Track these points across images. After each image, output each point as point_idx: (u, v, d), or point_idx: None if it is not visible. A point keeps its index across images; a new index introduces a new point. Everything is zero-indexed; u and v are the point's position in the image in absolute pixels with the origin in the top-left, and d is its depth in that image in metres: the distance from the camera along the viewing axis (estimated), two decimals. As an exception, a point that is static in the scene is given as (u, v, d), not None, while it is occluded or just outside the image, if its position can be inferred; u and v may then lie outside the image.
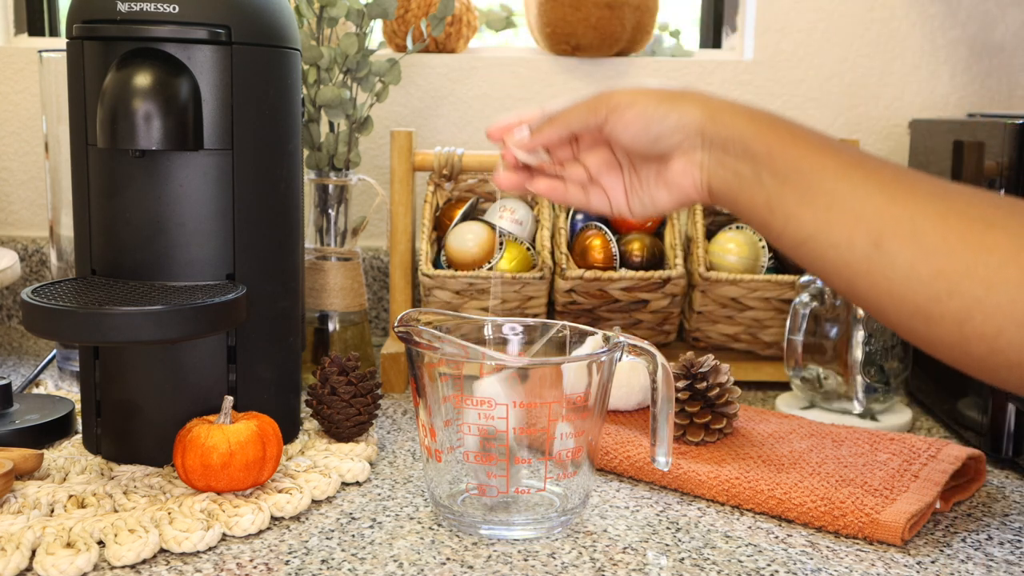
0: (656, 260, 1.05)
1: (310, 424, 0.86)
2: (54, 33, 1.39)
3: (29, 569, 0.61)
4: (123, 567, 0.62)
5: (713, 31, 1.37)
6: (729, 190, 0.62)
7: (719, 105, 0.62)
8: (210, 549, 0.64)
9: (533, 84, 1.27)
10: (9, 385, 0.84)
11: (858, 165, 0.58)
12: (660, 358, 0.68)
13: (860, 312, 0.90)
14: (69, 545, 0.62)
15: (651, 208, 0.67)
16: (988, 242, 0.53)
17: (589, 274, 1.01)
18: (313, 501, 0.72)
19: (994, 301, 0.53)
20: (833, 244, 0.57)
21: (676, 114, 0.62)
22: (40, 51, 0.96)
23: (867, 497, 0.69)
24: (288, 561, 0.63)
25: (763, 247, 1.05)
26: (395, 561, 0.63)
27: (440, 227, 1.09)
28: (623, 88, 0.65)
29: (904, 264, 0.55)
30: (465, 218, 1.07)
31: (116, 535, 0.63)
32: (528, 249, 1.05)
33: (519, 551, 0.65)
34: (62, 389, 0.98)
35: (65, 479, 0.74)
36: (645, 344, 0.68)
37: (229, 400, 0.71)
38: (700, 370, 0.83)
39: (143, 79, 0.70)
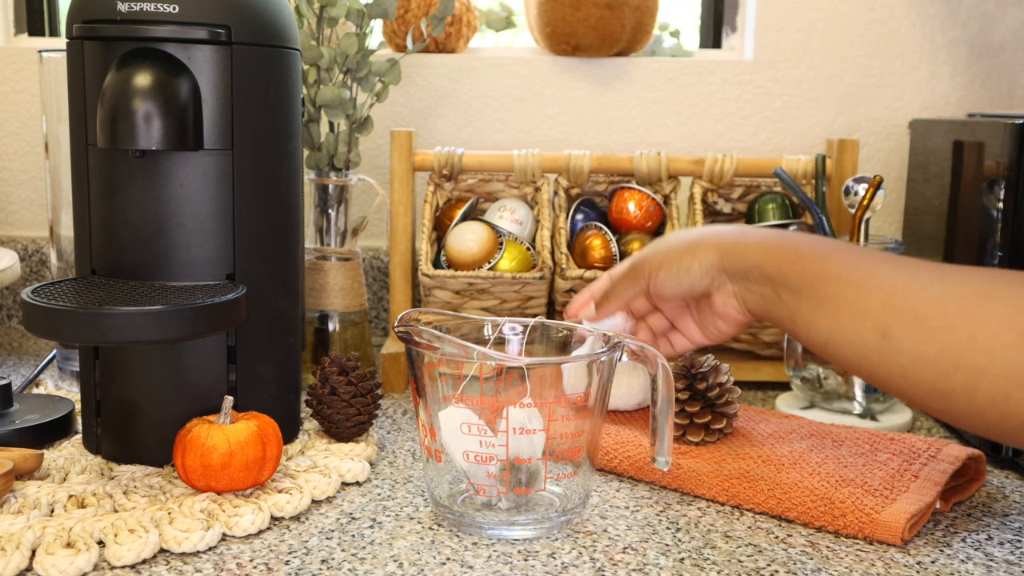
0: (656, 260, 1.05)
1: (310, 424, 0.86)
2: (54, 33, 1.39)
3: (29, 569, 0.61)
4: (123, 567, 0.62)
5: (713, 31, 1.37)
6: (762, 309, 0.70)
7: (732, 241, 0.71)
8: (210, 549, 0.64)
9: (533, 84, 1.27)
10: (9, 385, 0.84)
11: (856, 267, 0.65)
12: (660, 358, 0.68)
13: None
14: (69, 545, 0.62)
15: (719, 336, 0.77)
16: (984, 314, 0.58)
17: (589, 274, 1.01)
18: (313, 501, 0.72)
19: (997, 368, 0.57)
20: (848, 342, 0.64)
21: (696, 263, 0.72)
22: (40, 51, 0.96)
23: (867, 497, 0.69)
24: (288, 561, 0.63)
25: (763, 247, 1.05)
26: (395, 561, 0.63)
27: (440, 227, 1.09)
28: (651, 251, 0.75)
29: (911, 348, 0.60)
30: (465, 218, 1.07)
31: (116, 535, 0.63)
32: (528, 249, 1.05)
33: (519, 551, 0.65)
34: (62, 389, 0.98)
35: (65, 479, 0.74)
36: (645, 344, 0.68)
37: (229, 400, 0.71)
38: (700, 370, 0.83)
39: (143, 79, 0.70)
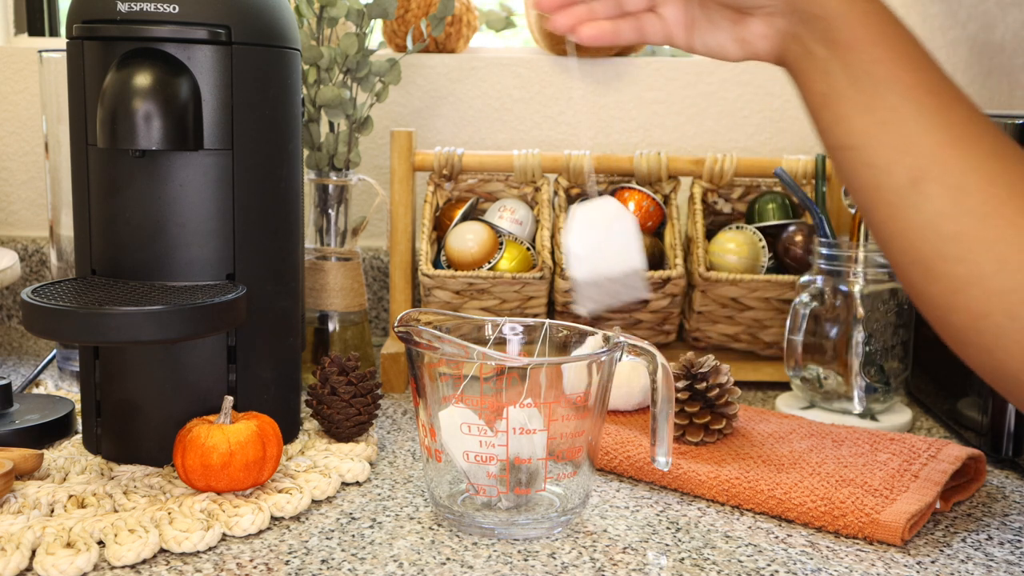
0: (656, 260, 1.05)
1: (310, 424, 0.86)
2: (54, 33, 1.39)
3: (29, 569, 0.61)
4: (123, 567, 0.62)
5: (713, 31, 1.37)
6: (797, 65, 0.58)
7: None
8: (210, 549, 0.64)
9: (533, 84, 1.27)
10: (9, 385, 0.84)
11: (932, 91, 0.54)
12: (660, 358, 0.68)
13: (860, 312, 0.90)
14: (69, 545, 0.62)
15: (715, 51, 0.63)
16: (1021, 222, 0.51)
17: (589, 274, 1.01)
18: (313, 501, 0.72)
19: (998, 283, 0.51)
20: (871, 164, 0.54)
21: None
22: (40, 51, 0.96)
23: (867, 497, 0.69)
24: (288, 561, 0.63)
25: (763, 247, 1.05)
26: (395, 561, 0.63)
27: (440, 227, 1.09)
28: None
29: (932, 212, 0.52)
30: (465, 218, 1.07)
31: (116, 535, 0.63)
32: (528, 249, 1.05)
33: (519, 551, 0.65)
34: (62, 389, 0.98)
35: (65, 479, 0.74)
36: (645, 344, 0.68)
37: (229, 400, 0.71)
38: (700, 370, 0.83)
39: (143, 79, 0.70)
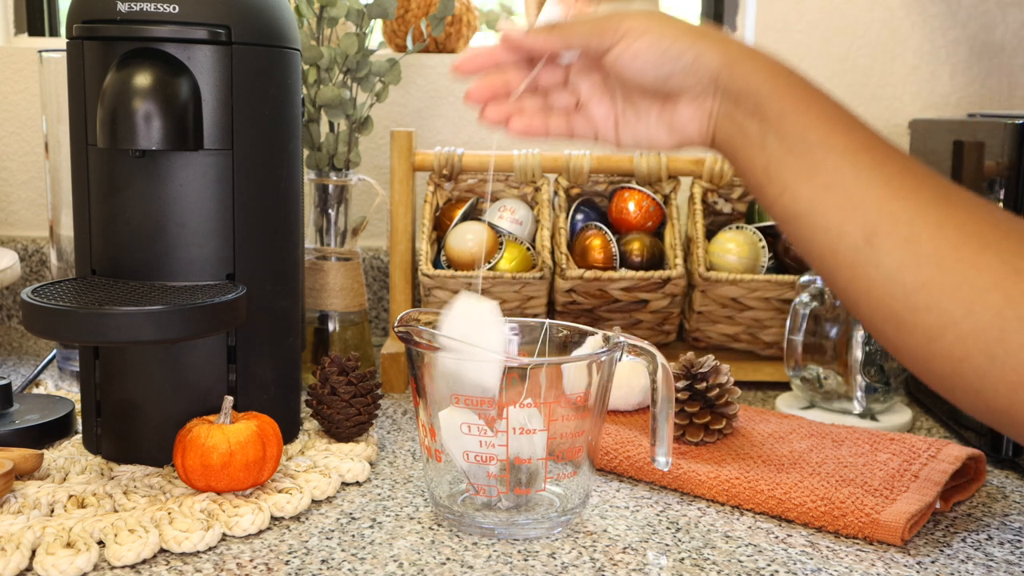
0: (656, 260, 1.05)
1: (310, 424, 0.86)
2: (54, 33, 1.39)
3: (29, 569, 0.61)
4: (123, 567, 0.62)
5: (713, 31, 1.37)
6: (731, 145, 0.59)
7: (740, 52, 0.58)
8: (210, 549, 0.64)
9: (533, 84, 1.27)
10: (9, 385, 0.84)
11: (867, 149, 0.55)
12: (660, 358, 0.68)
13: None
14: (69, 545, 0.62)
15: (644, 144, 0.63)
16: (979, 263, 0.51)
17: (589, 274, 1.01)
18: (313, 501, 0.72)
19: (969, 325, 0.51)
20: (824, 228, 0.55)
21: (693, 54, 0.58)
22: (40, 51, 0.96)
23: (867, 497, 0.69)
24: (288, 561, 0.63)
25: (763, 247, 1.05)
26: (395, 561, 0.63)
27: (440, 227, 1.09)
28: (637, 11, 0.59)
29: (891, 266, 0.53)
30: (465, 218, 1.07)
31: (116, 535, 0.63)
32: (528, 249, 1.05)
33: (519, 551, 0.65)
34: (62, 389, 0.98)
35: (65, 479, 0.74)
36: (645, 344, 0.68)
37: (229, 400, 0.71)
38: (700, 370, 0.83)
39: (143, 79, 0.70)
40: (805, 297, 0.92)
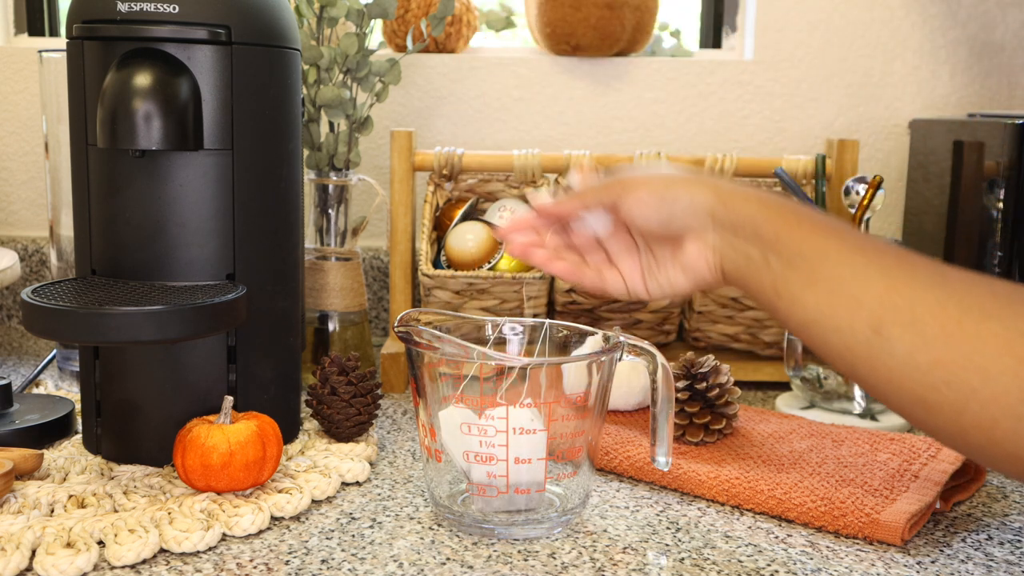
0: (656, 260, 1.05)
1: (310, 424, 0.86)
2: (54, 33, 1.39)
3: (29, 569, 0.61)
4: (123, 567, 0.62)
5: (713, 31, 1.37)
6: (739, 273, 0.64)
7: (730, 190, 0.64)
8: (210, 549, 0.64)
9: (533, 84, 1.27)
10: (9, 385, 0.84)
11: (860, 250, 0.60)
12: (660, 358, 0.68)
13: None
14: (69, 545, 0.62)
15: (668, 290, 0.69)
16: (984, 332, 0.54)
17: (589, 274, 1.01)
18: (313, 501, 0.72)
19: (989, 392, 0.53)
20: (835, 328, 0.59)
21: (687, 196, 0.64)
22: (40, 51, 0.96)
23: (867, 497, 0.69)
24: (288, 561, 0.63)
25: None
26: (395, 561, 0.63)
27: (440, 227, 1.09)
28: (637, 172, 0.68)
29: (903, 352, 0.56)
30: (465, 218, 1.07)
31: (116, 535, 0.63)
32: (528, 249, 1.05)
33: (519, 551, 0.65)
34: (62, 389, 0.98)
35: (65, 479, 0.74)
36: (645, 344, 0.68)
37: (229, 400, 0.71)
38: (700, 370, 0.83)
39: (143, 79, 0.70)
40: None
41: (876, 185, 0.92)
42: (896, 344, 0.56)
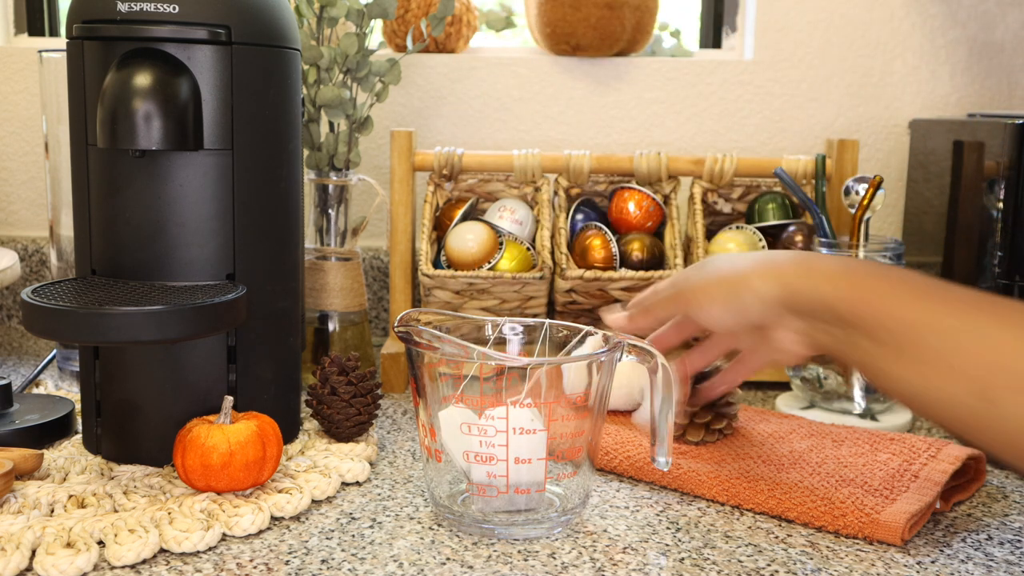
0: (656, 260, 1.05)
1: (310, 424, 0.86)
2: (54, 33, 1.39)
3: (29, 569, 0.61)
4: (123, 567, 0.62)
5: (713, 31, 1.37)
6: (831, 350, 0.62)
7: (795, 272, 0.62)
8: (210, 549, 0.64)
9: (533, 84, 1.27)
10: (9, 385, 0.84)
11: (948, 312, 0.56)
12: (660, 358, 0.68)
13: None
14: (69, 545, 0.62)
15: (775, 365, 0.71)
16: None
17: (589, 274, 1.01)
18: (313, 501, 0.72)
19: None
20: (939, 400, 0.56)
21: (753, 296, 0.64)
22: (40, 51, 0.96)
23: (867, 497, 0.69)
24: (288, 561, 0.63)
25: (763, 247, 1.05)
26: (395, 561, 0.63)
27: (440, 227, 1.09)
28: (699, 278, 0.67)
29: (1018, 415, 0.52)
30: (465, 218, 1.07)
31: (116, 535, 0.63)
32: (528, 249, 1.05)
33: (519, 551, 0.65)
34: (62, 389, 0.98)
35: (65, 479, 0.74)
36: (645, 344, 0.68)
37: (229, 400, 0.71)
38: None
39: (143, 79, 0.70)
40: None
41: (876, 185, 0.92)
42: (1008, 408, 0.53)
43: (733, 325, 0.66)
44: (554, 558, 0.64)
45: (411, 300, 1.08)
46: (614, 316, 0.73)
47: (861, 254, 0.90)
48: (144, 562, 0.62)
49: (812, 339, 0.63)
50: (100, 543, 0.64)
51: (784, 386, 1.03)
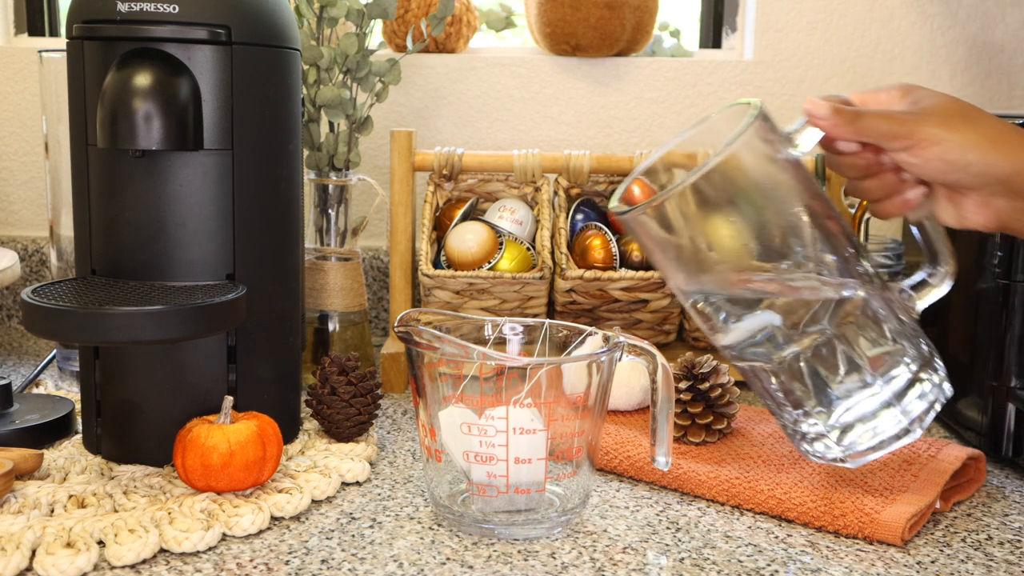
0: (656, 260, 1.05)
1: (310, 424, 0.86)
2: (54, 33, 1.39)
3: (29, 569, 0.61)
4: (123, 567, 0.62)
5: (713, 31, 1.37)
6: (1018, 230, 0.63)
7: None
8: (210, 549, 0.64)
9: (533, 84, 1.27)
10: (9, 385, 0.84)
11: None
12: (660, 358, 0.68)
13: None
14: (69, 545, 0.62)
15: (930, 217, 0.67)
16: None
17: (589, 274, 1.01)
18: (313, 501, 0.72)
19: None
20: None
21: (983, 165, 0.61)
22: (40, 51, 0.96)
23: (867, 497, 0.69)
24: (288, 561, 0.63)
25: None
26: (395, 561, 0.63)
27: (440, 227, 1.09)
28: (938, 113, 0.62)
29: None
30: (465, 218, 1.07)
31: (116, 535, 0.63)
32: (528, 249, 1.05)
33: (519, 551, 0.65)
34: (62, 389, 0.98)
35: (65, 479, 0.74)
36: (645, 344, 0.68)
37: (229, 400, 0.71)
38: (701, 371, 0.83)
39: (143, 79, 0.70)
40: (805, 297, 0.92)
41: (876, 185, 0.91)
42: None
43: (939, 179, 0.62)
44: (554, 558, 0.64)
45: (411, 300, 1.08)
46: (817, 104, 0.65)
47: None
48: (144, 562, 0.62)
49: (1008, 218, 0.62)
50: (100, 543, 0.64)
51: (784, 386, 1.03)
